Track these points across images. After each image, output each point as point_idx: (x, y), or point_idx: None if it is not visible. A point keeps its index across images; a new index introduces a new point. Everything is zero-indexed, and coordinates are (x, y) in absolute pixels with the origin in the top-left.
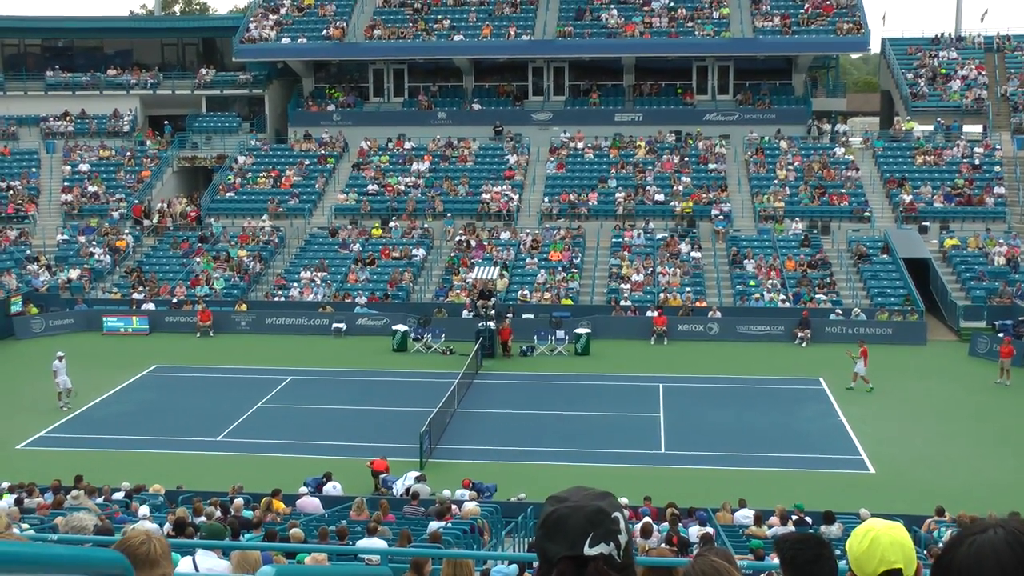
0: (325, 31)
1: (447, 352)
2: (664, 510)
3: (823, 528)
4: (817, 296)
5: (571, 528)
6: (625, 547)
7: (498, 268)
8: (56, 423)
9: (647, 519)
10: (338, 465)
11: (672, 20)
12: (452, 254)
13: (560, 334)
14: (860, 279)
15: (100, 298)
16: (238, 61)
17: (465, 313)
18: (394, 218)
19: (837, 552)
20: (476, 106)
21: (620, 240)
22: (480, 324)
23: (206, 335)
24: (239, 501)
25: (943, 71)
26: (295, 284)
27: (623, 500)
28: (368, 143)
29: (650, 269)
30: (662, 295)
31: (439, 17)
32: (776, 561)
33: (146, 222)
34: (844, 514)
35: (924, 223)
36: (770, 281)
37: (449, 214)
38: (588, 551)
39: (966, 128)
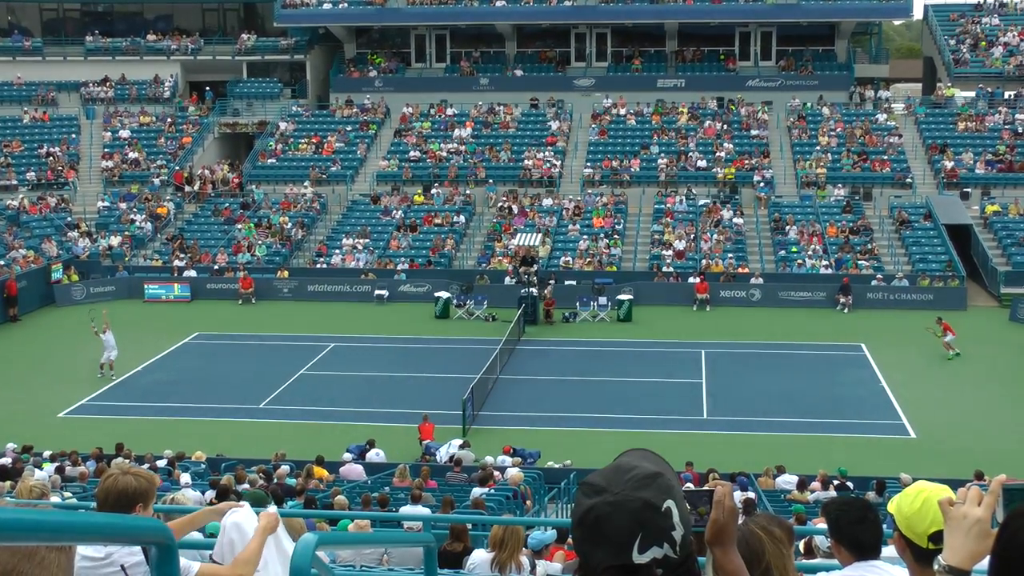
0: None
1: (489, 319)
2: (706, 476)
3: (870, 495)
4: (859, 262)
5: (614, 532)
6: (682, 540)
7: (540, 235)
8: (98, 391)
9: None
10: (381, 432)
11: None
12: (494, 221)
13: (602, 300)
14: (902, 245)
15: (141, 265)
16: (279, 26)
17: (507, 280)
18: (436, 184)
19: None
20: (518, 72)
21: (662, 206)
22: (522, 291)
23: (248, 302)
24: (283, 468)
25: (985, 37)
26: (337, 251)
27: None
28: (410, 109)
29: (692, 235)
30: (704, 261)
31: None
32: (819, 525)
33: (187, 189)
34: (885, 478)
35: (966, 189)
36: (812, 247)
37: (491, 180)
38: (638, 559)
39: (1008, 94)
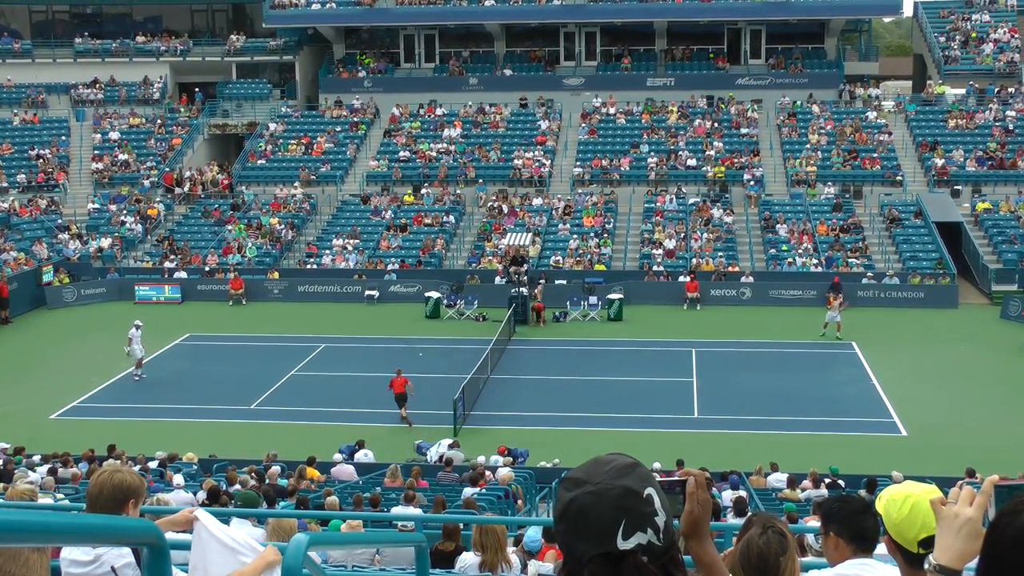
0: None
1: (480, 319)
2: None
3: (861, 493)
4: (849, 260)
5: (597, 520)
6: (665, 527)
7: (530, 234)
8: (89, 393)
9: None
10: (372, 432)
11: None
12: (484, 220)
13: (593, 300)
14: (892, 243)
15: (132, 267)
16: (268, 27)
17: (497, 279)
18: (426, 185)
19: None
20: (507, 72)
21: (652, 205)
22: (513, 290)
23: (238, 303)
24: (274, 469)
25: (975, 34)
26: (327, 251)
27: (655, 464)
28: (399, 109)
29: (682, 234)
30: (694, 260)
31: None
32: (811, 523)
33: (177, 190)
34: (877, 476)
35: (956, 187)
36: (803, 246)
37: (481, 180)
38: (622, 545)
39: (999, 90)
